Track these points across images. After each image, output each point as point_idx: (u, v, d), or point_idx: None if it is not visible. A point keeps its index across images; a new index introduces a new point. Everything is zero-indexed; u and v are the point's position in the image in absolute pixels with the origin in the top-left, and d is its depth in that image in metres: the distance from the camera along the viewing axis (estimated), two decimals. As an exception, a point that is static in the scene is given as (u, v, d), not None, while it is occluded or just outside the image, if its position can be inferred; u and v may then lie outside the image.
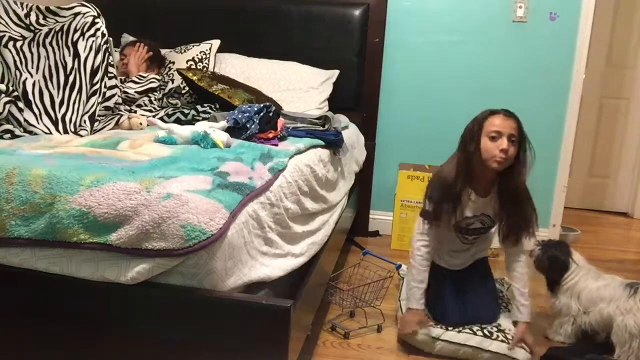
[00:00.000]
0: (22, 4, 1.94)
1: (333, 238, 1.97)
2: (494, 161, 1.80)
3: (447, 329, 1.89)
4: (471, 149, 1.83)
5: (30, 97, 1.76)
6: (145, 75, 2.39)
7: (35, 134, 1.72)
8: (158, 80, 2.40)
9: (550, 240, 2.12)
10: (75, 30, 1.86)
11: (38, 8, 1.96)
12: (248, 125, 1.81)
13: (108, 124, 1.98)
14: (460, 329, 1.89)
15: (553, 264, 2.03)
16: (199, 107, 2.16)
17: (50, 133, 1.75)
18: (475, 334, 1.87)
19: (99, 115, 1.95)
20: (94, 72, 1.89)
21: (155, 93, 2.37)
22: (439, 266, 2.03)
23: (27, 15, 1.93)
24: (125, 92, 2.25)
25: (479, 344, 1.84)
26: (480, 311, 1.95)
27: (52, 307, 1.17)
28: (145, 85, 2.34)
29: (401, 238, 2.97)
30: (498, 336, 1.86)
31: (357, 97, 3.00)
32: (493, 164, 1.81)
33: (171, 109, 2.21)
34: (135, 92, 2.30)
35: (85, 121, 1.85)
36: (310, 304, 1.60)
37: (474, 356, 1.85)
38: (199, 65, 2.77)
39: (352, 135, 2.60)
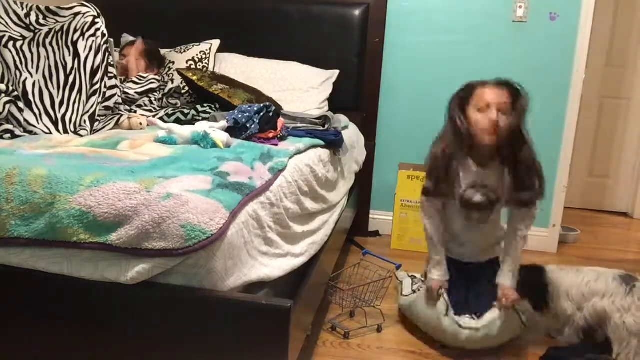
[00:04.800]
0: (22, 4, 1.94)
1: (333, 238, 1.97)
2: (484, 135, 1.74)
3: (473, 317, 1.87)
4: (459, 120, 1.78)
5: (30, 97, 1.76)
6: (145, 75, 2.39)
7: (35, 134, 1.72)
8: (158, 80, 2.40)
9: (521, 268, 2.10)
10: (75, 30, 1.86)
11: (38, 8, 1.96)
12: (248, 125, 1.81)
13: (108, 124, 1.98)
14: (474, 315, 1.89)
15: (533, 292, 2.00)
16: (199, 107, 2.16)
17: (50, 133, 1.75)
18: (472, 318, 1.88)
19: (99, 115, 1.95)
20: (94, 72, 1.89)
21: (155, 93, 2.37)
22: (448, 258, 2.02)
23: (27, 15, 1.93)
24: (125, 93, 2.25)
25: (476, 324, 1.83)
26: (482, 310, 1.91)
27: (52, 307, 1.17)
28: (146, 86, 2.34)
29: (401, 238, 2.97)
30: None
31: (357, 97, 2.99)
32: (484, 139, 1.75)
33: (171, 109, 2.21)
34: (136, 92, 2.29)
35: (85, 121, 1.85)
36: (310, 304, 1.60)
37: (490, 334, 1.83)
38: (199, 65, 2.77)
39: (352, 135, 2.60)
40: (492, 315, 1.86)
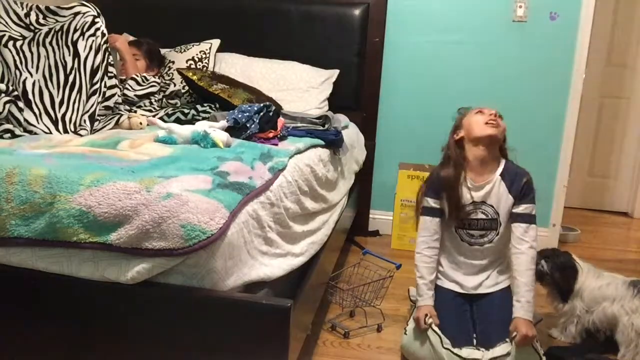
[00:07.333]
0: (22, 3, 1.94)
1: (333, 238, 1.97)
2: (488, 127, 1.81)
3: (478, 348, 1.70)
4: (457, 135, 1.90)
5: (30, 96, 1.76)
6: (148, 78, 2.39)
7: (35, 133, 1.72)
8: (158, 84, 2.40)
9: (548, 250, 2.10)
10: (75, 30, 1.86)
11: (38, 8, 1.96)
12: (248, 125, 1.81)
13: (108, 124, 1.98)
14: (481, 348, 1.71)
15: (564, 272, 1.98)
16: (198, 106, 2.16)
17: (50, 133, 1.75)
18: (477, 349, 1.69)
19: (99, 115, 1.95)
20: (93, 72, 1.89)
21: (155, 95, 2.36)
22: (445, 289, 1.88)
23: (27, 14, 1.93)
24: (124, 95, 2.24)
25: (482, 356, 1.66)
26: (493, 344, 1.70)
27: (52, 307, 1.17)
28: (146, 89, 2.33)
29: (401, 238, 2.97)
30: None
31: (357, 97, 2.99)
32: (487, 130, 1.81)
33: (171, 108, 2.21)
34: (135, 95, 2.29)
35: (85, 121, 1.85)
36: (310, 304, 1.60)
37: None
38: (199, 65, 2.77)
39: (352, 134, 2.61)
40: (504, 349, 1.65)
